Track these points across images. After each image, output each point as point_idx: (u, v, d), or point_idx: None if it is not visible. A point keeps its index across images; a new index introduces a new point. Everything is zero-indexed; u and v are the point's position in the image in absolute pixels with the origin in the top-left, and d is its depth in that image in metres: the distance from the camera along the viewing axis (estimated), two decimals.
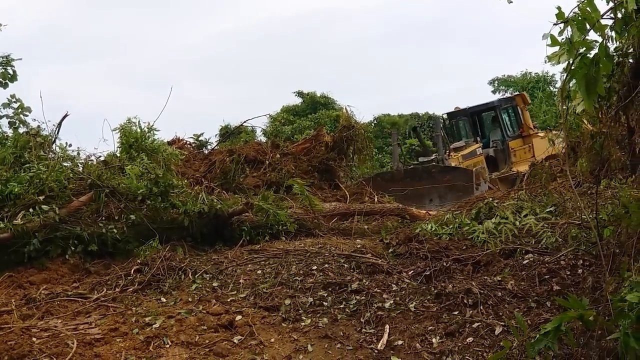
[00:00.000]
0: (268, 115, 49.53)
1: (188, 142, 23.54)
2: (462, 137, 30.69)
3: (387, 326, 8.29)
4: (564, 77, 6.37)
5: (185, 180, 15.17)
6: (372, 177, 24.69)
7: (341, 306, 8.96)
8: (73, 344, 7.78)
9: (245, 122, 27.60)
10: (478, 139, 29.07)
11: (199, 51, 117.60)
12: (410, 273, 10.04)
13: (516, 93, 30.15)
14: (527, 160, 27.64)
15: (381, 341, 7.94)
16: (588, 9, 5.73)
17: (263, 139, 40.32)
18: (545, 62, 6.16)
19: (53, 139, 14.95)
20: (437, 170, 24.82)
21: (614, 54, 7.51)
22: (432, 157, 27.23)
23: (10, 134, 15.17)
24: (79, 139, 23.76)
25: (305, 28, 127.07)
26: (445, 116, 32.08)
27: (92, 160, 14.89)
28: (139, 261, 11.02)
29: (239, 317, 8.61)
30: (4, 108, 17.04)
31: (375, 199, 19.63)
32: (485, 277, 9.50)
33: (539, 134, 29.14)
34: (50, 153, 14.07)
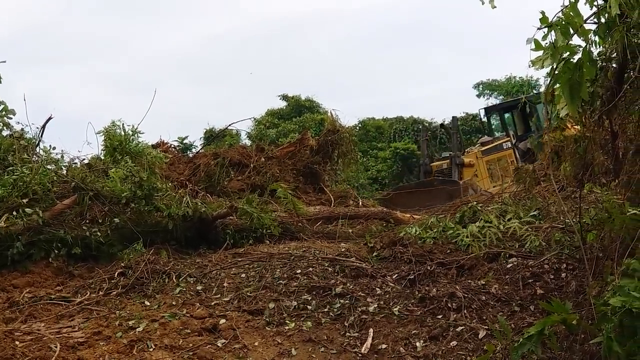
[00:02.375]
0: (253, 119, 49.53)
1: (172, 145, 23.51)
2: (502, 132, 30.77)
3: (371, 330, 8.30)
4: (548, 81, 6.39)
5: (170, 184, 15.14)
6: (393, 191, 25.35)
7: (325, 310, 8.97)
8: (56, 347, 7.75)
9: (230, 125, 27.59)
10: (512, 133, 29.06)
11: (183, 53, 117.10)
12: (394, 277, 10.05)
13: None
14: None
15: (365, 345, 7.95)
16: (571, 13, 5.76)
17: (248, 142, 40.25)
18: (530, 67, 6.16)
19: (37, 142, 14.93)
20: (437, 182, 25.09)
21: (598, 58, 7.53)
22: (447, 155, 27.58)
23: None
24: (62, 142, 23.64)
25: (289, 31, 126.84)
26: (482, 111, 32.28)
27: (76, 163, 14.88)
28: (122, 264, 11.00)
29: (222, 321, 8.61)
30: None
31: (360, 203, 19.63)
32: (469, 281, 9.52)
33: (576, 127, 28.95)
34: (34, 156, 14.03)
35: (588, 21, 6.01)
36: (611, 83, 7.67)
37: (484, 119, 32.98)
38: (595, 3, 6.16)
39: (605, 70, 7.79)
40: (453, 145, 28.60)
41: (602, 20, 6.13)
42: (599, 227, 8.48)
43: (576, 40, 5.84)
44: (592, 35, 6.07)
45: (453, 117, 34.31)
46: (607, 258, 7.41)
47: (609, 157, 9.02)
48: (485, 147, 28.44)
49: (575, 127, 10.08)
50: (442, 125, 33.62)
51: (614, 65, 7.71)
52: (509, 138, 28.61)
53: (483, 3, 6.92)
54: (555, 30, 5.79)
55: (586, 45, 5.83)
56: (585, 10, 5.96)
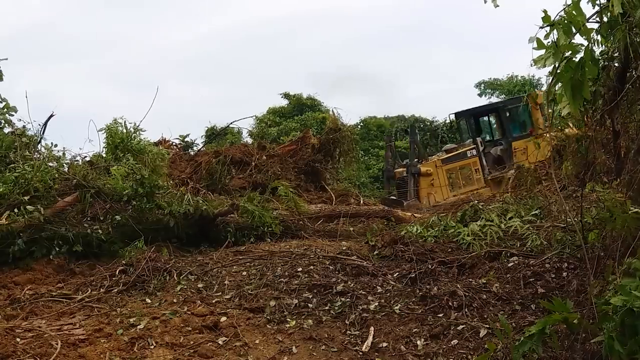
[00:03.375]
0: (254, 117, 49.55)
1: (174, 143, 23.51)
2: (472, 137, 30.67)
3: (371, 328, 8.30)
4: (550, 80, 6.39)
5: (171, 181, 15.16)
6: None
7: (326, 308, 8.97)
8: (57, 344, 7.75)
9: (231, 123, 27.77)
10: (479, 140, 28.87)
11: (184, 51, 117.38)
12: (395, 275, 10.04)
13: (529, 92, 29.80)
14: (522, 162, 27.54)
15: (366, 343, 7.95)
16: (574, 12, 5.75)
17: (249, 140, 40.21)
18: (532, 66, 6.15)
19: (38, 139, 14.93)
20: (382, 201, 25.28)
21: (600, 57, 7.53)
22: (404, 163, 27.49)
23: None
24: (64, 139, 23.66)
25: (291, 29, 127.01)
26: (452, 117, 32.07)
27: (77, 160, 14.89)
28: (124, 262, 10.99)
29: (223, 319, 8.61)
30: None
31: (361, 202, 19.64)
32: (470, 280, 9.52)
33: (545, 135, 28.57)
34: (36, 153, 14.04)
35: (590, 20, 6.01)
36: (613, 82, 7.68)
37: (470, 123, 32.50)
38: (598, 2, 6.16)
39: (608, 70, 7.80)
40: (410, 153, 28.41)
41: (605, 19, 6.12)
42: (601, 226, 8.47)
43: (578, 39, 5.83)
44: (595, 34, 6.07)
45: (411, 125, 34.32)
46: (609, 257, 7.41)
47: (611, 156, 9.02)
48: (447, 155, 28.34)
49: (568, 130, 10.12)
50: (405, 131, 33.35)
51: (616, 64, 7.72)
52: (474, 145, 28.50)
53: (485, 2, 6.92)
54: (558, 29, 5.79)
55: (588, 44, 5.83)
56: (587, 9, 5.96)
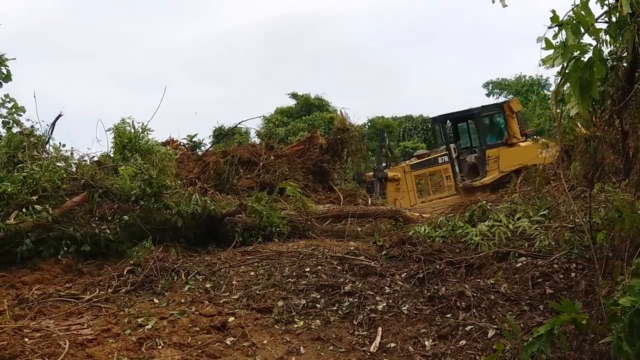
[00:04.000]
0: (262, 117, 49.66)
1: (182, 143, 23.53)
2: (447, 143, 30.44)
3: (379, 328, 8.29)
4: (558, 80, 6.37)
5: (179, 182, 15.17)
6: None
7: (334, 308, 8.97)
8: (65, 344, 7.77)
9: (239, 123, 27.79)
10: (452, 146, 28.52)
11: (190, 52, 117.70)
12: (403, 275, 10.03)
13: (505, 100, 29.30)
14: (492, 170, 27.28)
15: (374, 343, 7.95)
16: (582, 12, 5.74)
17: (257, 140, 40.26)
18: (540, 66, 6.14)
19: (47, 139, 14.94)
20: None
21: (608, 57, 7.51)
22: (375, 168, 27.31)
23: (3, 134, 15.10)
24: (72, 139, 23.66)
25: (298, 29, 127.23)
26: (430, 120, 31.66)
27: (85, 160, 14.90)
28: (131, 262, 11.00)
29: (231, 319, 8.62)
30: None
31: (369, 202, 19.63)
32: (479, 280, 9.51)
33: (520, 144, 28.05)
34: (44, 153, 14.04)
35: (599, 20, 5.99)
36: (622, 82, 7.65)
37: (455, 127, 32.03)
38: (606, 2, 6.14)
39: (616, 70, 7.77)
40: (378, 158, 28.13)
41: (613, 19, 6.10)
42: (609, 226, 8.46)
43: (587, 39, 5.82)
44: (603, 34, 6.05)
45: (380, 129, 34.16)
46: (617, 258, 7.39)
47: (620, 157, 8.99)
48: (417, 161, 28.12)
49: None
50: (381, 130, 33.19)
51: (625, 64, 7.68)
52: (441, 152, 28.24)
53: (493, 2, 6.91)
54: (566, 29, 5.78)
55: (597, 44, 5.81)
56: (596, 9, 5.94)
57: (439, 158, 27.74)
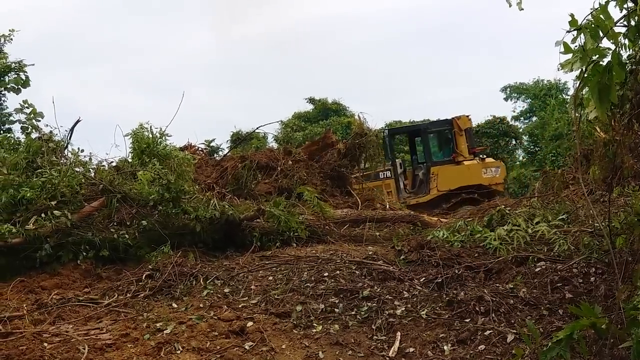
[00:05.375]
0: (280, 122, 49.71)
1: (200, 148, 23.57)
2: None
3: (398, 333, 8.28)
4: (577, 84, 6.35)
5: (197, 186, 15.18)
6: None
7: (352, 313, 8.96)
8: (84, 349, 7.81)
9: (257, 128, 27.86)
10: (398, 161, 28.43)
11: (208, 57, 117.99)
12: (421, 280, 10.01)
13: (454, 116, 28.65)
14: (433, 189, 27.29)
15: (392, 348, 7.94)
16: (601, 16, 5.72)
17: (274, 145, 40.30)
18: (558, 70, 6.11)
19: (65, 144, 14.98)
20: None
21: (627, 61, 7.49)
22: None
23: (22, 140, 15.17)
24: (90, 144, 23.77)
25: (316, 34, 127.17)
26: (386, 132, 30.78)
27: (104, 165, 14.91)
28: (150, 267, 11.05)
29: (250, 324, 8.62)
30: (16, 113, 17.06)
31: (387, 206, 19.60)
32: (497, 285, 9.48)
33: (465, 162, 27.97)
34: (63, 158, 14.10)
35: (618, 24, 5.97)
36: None
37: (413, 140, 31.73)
38: (626, 6, 6.12)
39: (635, 74, 7.75)
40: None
41: (632, 23, 6.08)
42: (629, 231, 8.43)
43: (606, 43, 5.80)
44: (622, 38, 6.02)
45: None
46: (637, 262, 7.37)
47: (639, 161, 8.96)
48: (357, 175, 27.75)
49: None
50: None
51: None
52: (389, 167, 27.75)
53: (510, 5, 6.90)
54: (585, 33, 5.76)
55: (616, 48, 5.79)
56: (615, 13, 5.92)
57: (379, 173, 26.98)
